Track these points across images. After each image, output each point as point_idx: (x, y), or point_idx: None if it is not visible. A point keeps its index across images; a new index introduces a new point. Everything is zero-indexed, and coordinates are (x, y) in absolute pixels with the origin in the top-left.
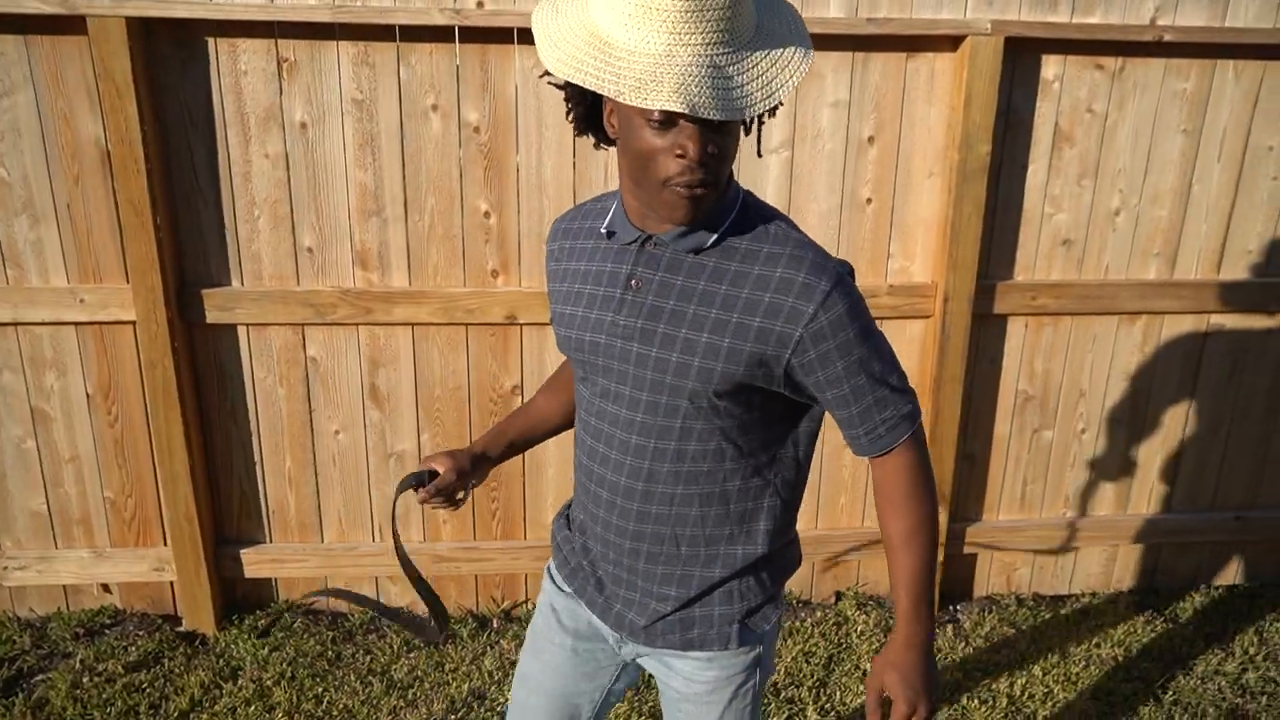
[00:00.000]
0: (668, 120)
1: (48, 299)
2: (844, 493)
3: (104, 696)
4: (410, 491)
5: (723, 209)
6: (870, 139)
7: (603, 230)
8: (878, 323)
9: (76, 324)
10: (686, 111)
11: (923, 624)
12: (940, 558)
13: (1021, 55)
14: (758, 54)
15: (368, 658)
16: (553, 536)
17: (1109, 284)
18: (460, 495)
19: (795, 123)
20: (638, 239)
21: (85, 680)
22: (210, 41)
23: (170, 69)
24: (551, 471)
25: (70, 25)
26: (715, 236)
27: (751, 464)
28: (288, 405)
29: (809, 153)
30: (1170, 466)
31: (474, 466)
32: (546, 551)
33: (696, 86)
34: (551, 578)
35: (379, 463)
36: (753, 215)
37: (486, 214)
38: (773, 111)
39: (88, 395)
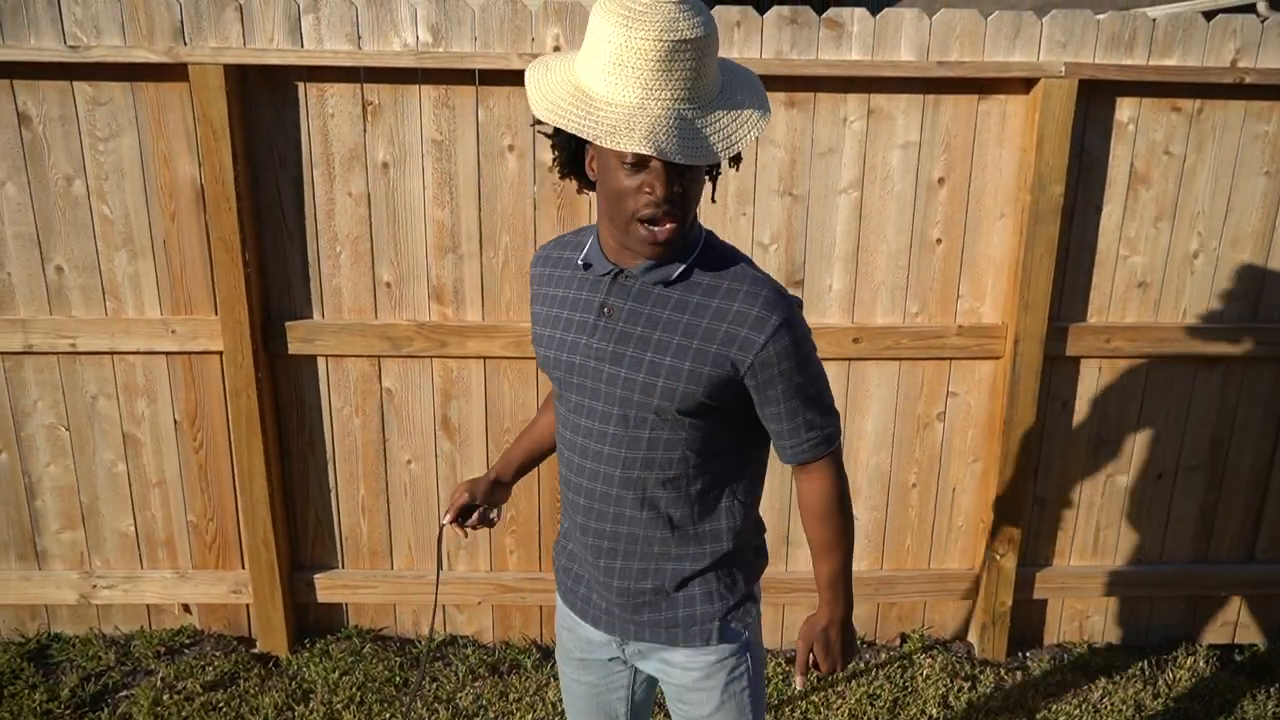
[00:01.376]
0: (639, 163)
1: (142, 330)
2: (910, 534)
3: (183, 714)
4: (454, 528)
5: (687, 247)
6: (940, 180)
7: (579, 262)
8: (948, 363)
9: (167, 354)
10: (654, 155)
11: (841, 606)
12: (1009, 601)
13: (1095, 97)
14: (719, 111)
15: (434, 685)
16: (554, 561)
17: (1187, 327)
18: (493, 515)
19: (865, 164)
20: (610, 271)
21: (165, 698)
22: (300, 86)
23: (263, 112)
24: None
25: (173, 73)
26: (680, 270)
27: (712, 471)
28: (363, 435)
29: (878, 193)
30: (1253, 515)
31: (492, 490)
32: None
33: (664, 134)
34: (559, 603)
35: (449, 492)
36: (714, 253)
37: None
38: (735, 162)
39: (175, 422)
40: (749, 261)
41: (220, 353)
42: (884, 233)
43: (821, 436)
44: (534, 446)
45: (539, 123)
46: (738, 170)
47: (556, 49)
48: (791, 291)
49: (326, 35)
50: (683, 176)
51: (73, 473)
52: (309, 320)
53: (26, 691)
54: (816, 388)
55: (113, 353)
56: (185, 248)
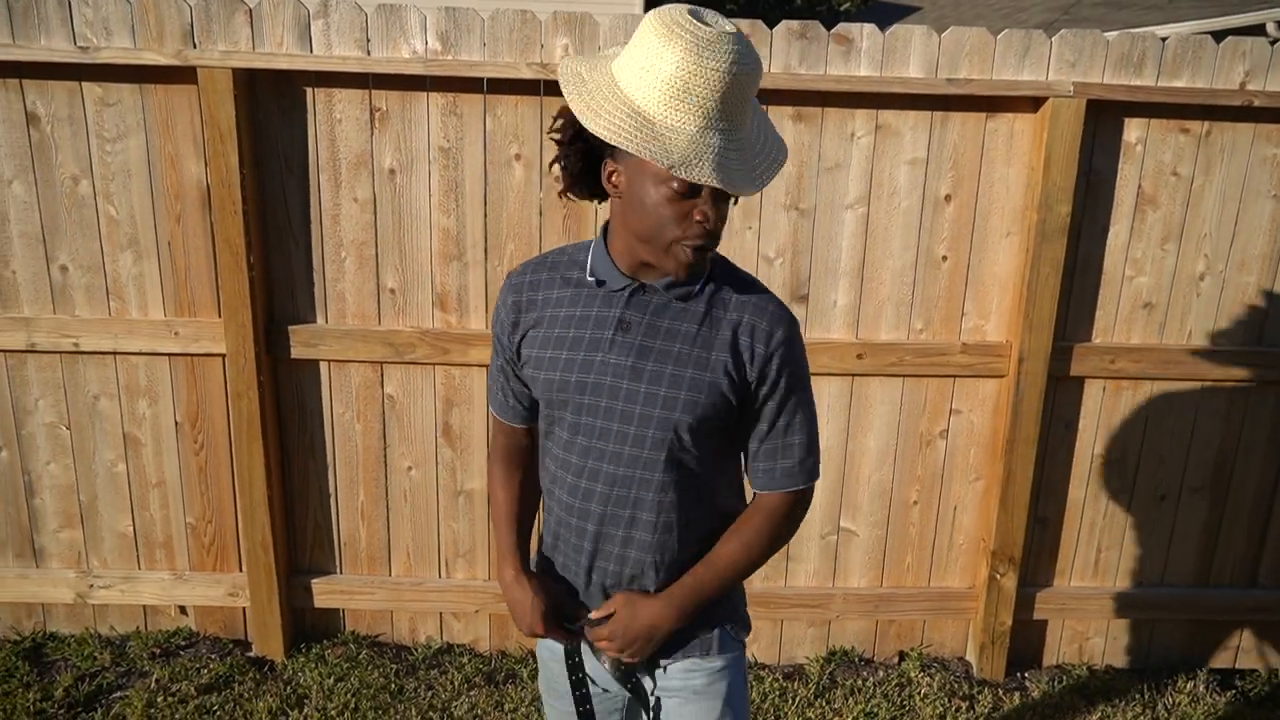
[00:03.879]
0: (690, 190)
1: (145, 330)
2: (910, 552)
3: (177, 717)
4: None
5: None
6: (947, 197)
7: (589, 278)
8: (952, 380)
9: (170, 355)
10: (723, 187)
11: (675, 611)
12: (1009, 621)
13: (1103, 117)
14: (756, 143)
15: (429, 693)
16: (536, 590)
17: (1192, 349)
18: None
19: (871, 179)
20: (627, 286)
21: (160, 700)
22: (308, 91)
23: (270, 117)
24: None
25: (181, 75)
26: (699, 286)
27: (720, 491)
28: (363, 440)
29: (885, 209)
30: (1256, 539)
31: (545, 591)
32: None
33: (728, 165)
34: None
35: (449, 500)
36: (728, 271)
37: None
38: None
39: (176, 424)
40: (756, 280)
41: (223, 355)
42: (890, 248)
43: (799, 469)
44: (527, 520)
45: (558, 130)
46: (735, 203)
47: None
48: (795, 307)
49: (336, 41)
50: (725, 205)
51: (72, 472)
52: (312, 325)
53: (20, 690)
54: (806, 415)
55: (115, 353)
56: (190, 250)
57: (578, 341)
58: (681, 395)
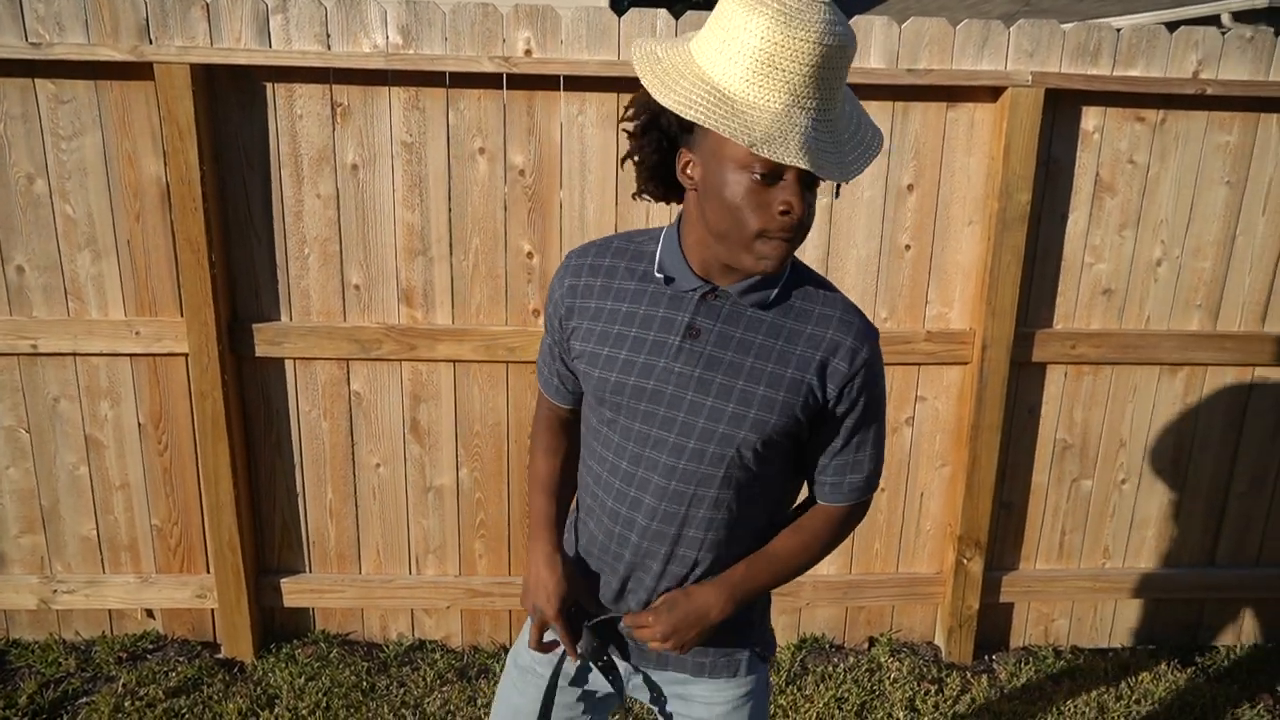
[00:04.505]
0: (773, 175)
1: (105, 331)
2: (879, 538)
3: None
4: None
5: (782, 271)
6: (909, 187)
7: (657, 274)
8: (917, 368)
9: (132, 355)
10: (810, 170)
11: (733, 603)
12: (975, 605)
13: (1061, 106)
14: (848, 126)
15: (401, 690)
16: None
17: (1150, 334)
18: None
19: None
20: (699, 288)
21: (127, 704)
22: (268, 86)
23: (230, 112)
24: None
25: (138, 71)
26: (776, 293)
27: (770, 509)
28: (330, 438)
29: (848, 199)
30: (1214, 520)
31: (569, 579)
32: None
33: (817, 148)
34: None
35: (418, 496)
36: (803, 276)
37: (529, 254)
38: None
39: (139, 425)
40: (833, 286)
41: (186, 355)
42: (853, 239)
43: (865, 483)
44: (566, 499)
45: (630, 119)
46: (838, 197)
47: (528, 52)
48: None
49: (295, 35)
50: (810, 191)
51: (33, 475)
52: (276, 323)
53: None
54: (879, 432)
55: (75, 354)
56: (150, 248)
57: (639, 343)
58: (751, 414)
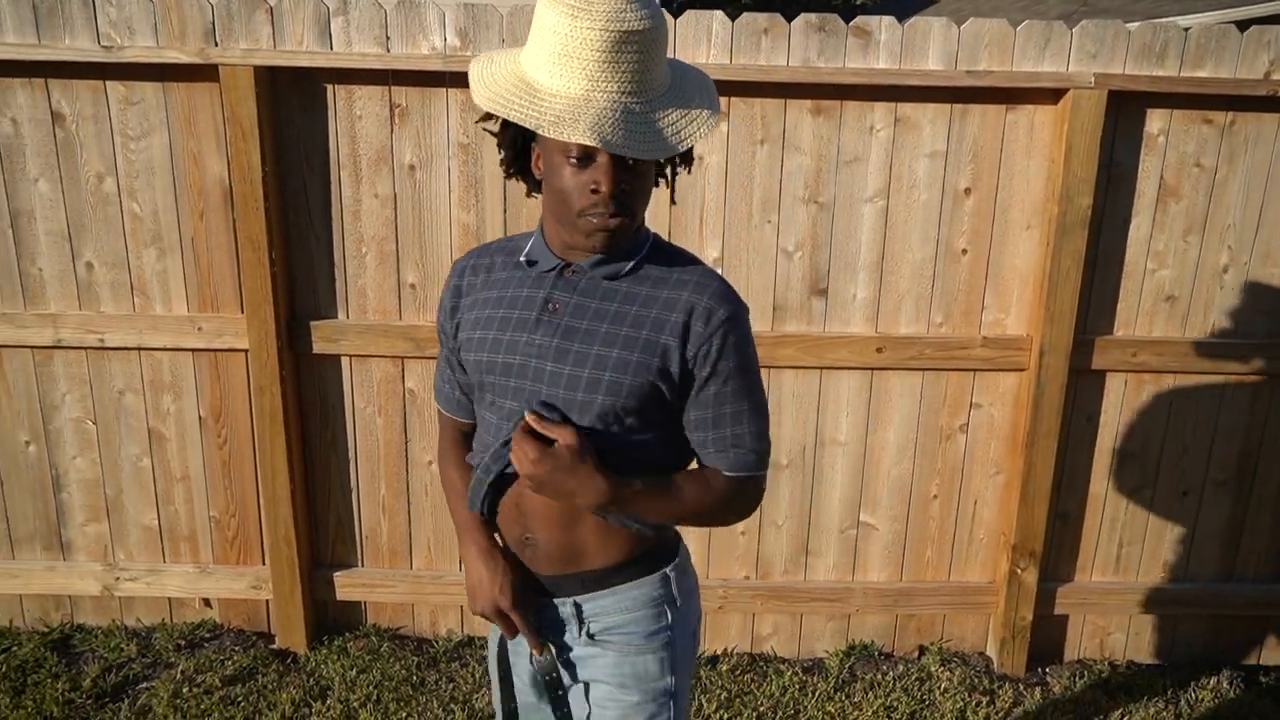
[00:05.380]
0: (585, 158)
1: (169, 326)
2: (930, 546)
3: (202, 708)
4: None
5: (636, 244)
6: (967, 190)
7: (523, 260)
8: (972, 374)
9: (194, 350)
10: (598, 145)
11: (611, 501)
12: (1029, 616)
13: (1125, 108)
14: (670, 106)
15: (450, 685)
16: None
17: (1215, 343)
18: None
19: (891, 172)
20: (557, 266)
21: (185, 690)
22: (329, 88)
23: (291, 114)
24: None
25: (203, 73)
26: (630, 265)
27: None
28: (385, 435)
29: (904, 202)
30: None
31: (512, 569)
32: None
33: (609, 126)
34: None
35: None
36: (664, 251)
37: None
38: (687, 161)
39: (200, 418)
40: (697, 259)
41: (245, 351)
42: (909, 242)
43: (753, 457)
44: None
45: (488, 117)
46: (689, 172)
47: None
48: (814, 300)
49: (355, 38)
50: (629, 172)
51: (99, 466)
52: (334, 320)
53: (49, 680)
54: (754, 401)
55: (140, 348)
56: (213, 246)
57: (505, 321)
58: (606, 376)
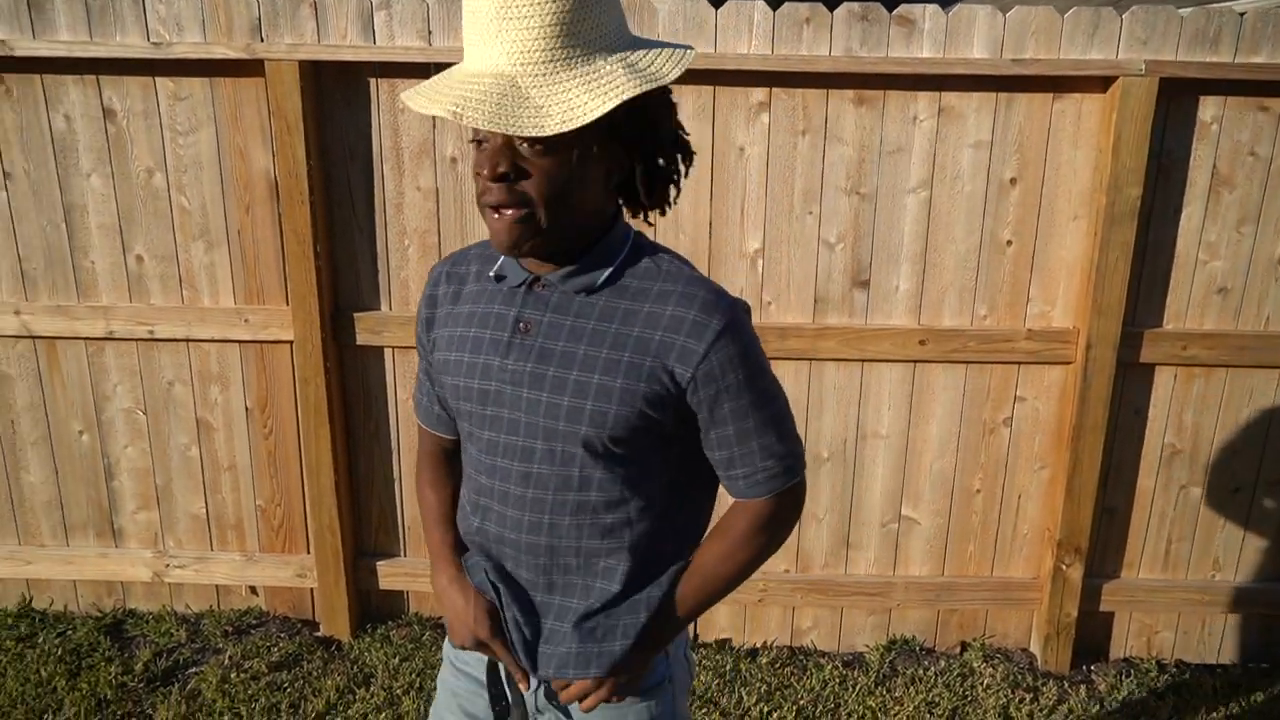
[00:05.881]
0: (478, 140)
1: (217, 318)
2: (973, 541)
3: (249, 693)
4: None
5: (611, 248)
6: (1012, 180)
7: (491, 274)
8: (1016, 367)
9: (240, 342)
10: (449, 118)
11: (665, 640)
12: (1074, 613)
13: (1177, 95)
14: (571, 80)
15: None
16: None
17: (1270, 335)
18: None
19: (935, 163)
20: (525, 280)
21: (233, 676)
22: (372, 82)
23: (335, 108)
24: None
25: (249, 69)
26: (606, 275)
27: (657, 512)
28: None
29: (947, 193)
30: None
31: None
32: None
33: (478, 99)
34: (451, 661)
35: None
36: (644, 254)
37: None
38: (665, 154)
39: (247, 409)
40: (683, 260)
41: (290, 342)
42: (953, 233)
43: (781, 466)
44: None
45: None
46: (685, 170)
47: None
48: (856, 292)
49: (398, 32)
50: (524, 155)
51: (149, 455)
52: (377, 312)
53: (103, 664)
54: (775, 407)
55: (188, 340)
56: (259, 239)
57: (478, 343)
58: (588, 405)
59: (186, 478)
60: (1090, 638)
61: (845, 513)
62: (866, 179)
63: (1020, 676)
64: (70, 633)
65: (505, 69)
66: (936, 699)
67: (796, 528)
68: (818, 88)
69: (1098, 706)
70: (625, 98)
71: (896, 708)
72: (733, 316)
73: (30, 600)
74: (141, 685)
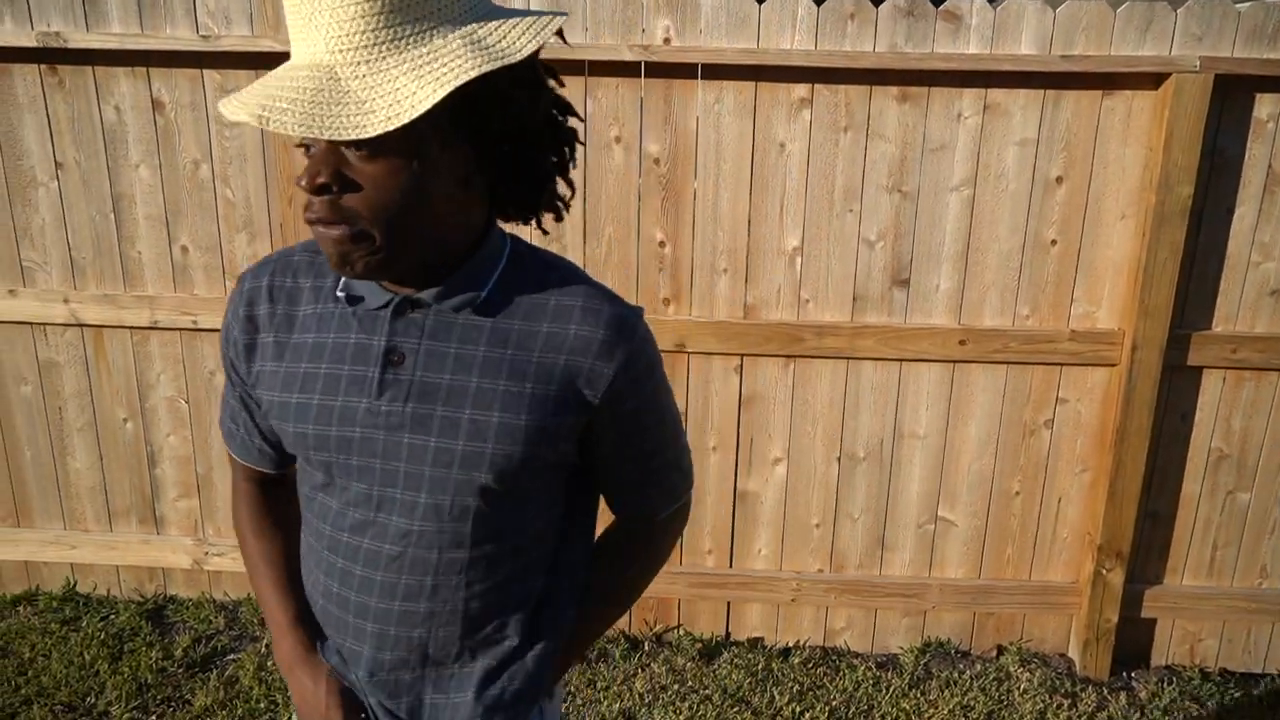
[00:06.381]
0: (307, 146)
1: None
2: (1011, 543)
3: (284, 682)
4: None
5: (486, 260)
6: (1058, 179)
7: (339, 294)
8: (1059, 368)
9: None
10: (253, 123)
11: (569, 664)
12: (1114, 618)
13: (1231, 93)
14: (400, 67)
15: None
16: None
17: None
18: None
19: (979, 161)
20: (390, 301)
21: (269, 664)
22: None
23: None
24: (710, 499)
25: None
26: (485, 292)
27: (552, 548)
28: None
29: (991, 191)
30: None
31: (341, 678)
32: (702, 579)
33: (290, 99)
34: None
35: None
36: (529, 264)
37: (661, 243)
38: (548, 145)
39: None
40: (575, 267)
41: None
42: (996, 232)
43: (685, 477)
44: (300, 577)
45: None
46: (572, 169)
47: (666, 41)
48: (895, 291)
49: None
50: (349, 163)
51: (190, 444)
52: None
53: (144, 649)
54: (673, 427)
55: None
56: (300, 231)
57: (332, 382)
58: (489, 449)
59: (225, 467)
60: (1131, 644)
61: (881, 513)
62: (909, 177)
63: (1058, 682)
64: (113, 617)
65: (323, 58)
66: (972, 703)
67: (831, 527)
68: (861, 84)
69: (1138, 714)
70: (461, 82)
71: (931, 710)
72: (639, 329)
73: (74, 584)
74: (181, 670)
